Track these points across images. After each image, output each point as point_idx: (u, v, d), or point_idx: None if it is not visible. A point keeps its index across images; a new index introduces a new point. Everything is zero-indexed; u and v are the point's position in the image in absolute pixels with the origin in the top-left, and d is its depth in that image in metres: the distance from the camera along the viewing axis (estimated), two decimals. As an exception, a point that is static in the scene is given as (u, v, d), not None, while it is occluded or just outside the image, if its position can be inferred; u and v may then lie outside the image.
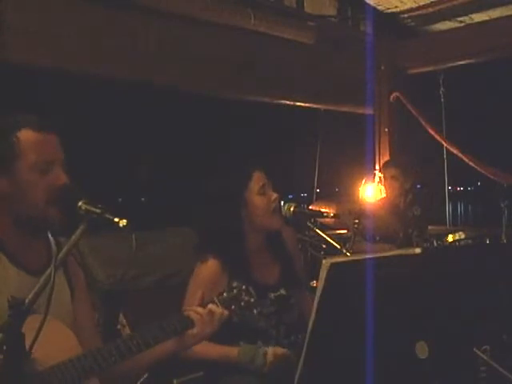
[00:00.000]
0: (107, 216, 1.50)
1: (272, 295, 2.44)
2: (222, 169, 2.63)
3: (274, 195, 2.46)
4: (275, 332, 2.43)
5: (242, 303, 1.91)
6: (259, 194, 2.43)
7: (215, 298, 1.90)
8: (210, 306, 1.88)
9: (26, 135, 1.67)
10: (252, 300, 1.92)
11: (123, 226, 1.48)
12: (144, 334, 1.72)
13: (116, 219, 1.49)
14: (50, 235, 1.82)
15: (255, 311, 1.93)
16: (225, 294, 1.91)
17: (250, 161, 2.58)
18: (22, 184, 1.66)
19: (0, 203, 1.69)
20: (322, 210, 3.23)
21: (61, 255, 1.45)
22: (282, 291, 2.47)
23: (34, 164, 1.66)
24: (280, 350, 2.30)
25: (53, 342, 1.40)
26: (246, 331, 2.37)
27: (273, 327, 2.43)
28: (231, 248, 2.40)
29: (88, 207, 1.53)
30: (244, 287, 1.92)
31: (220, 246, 2.40)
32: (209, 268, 2.37)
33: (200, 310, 1.87)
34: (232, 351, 2.31)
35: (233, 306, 1.90)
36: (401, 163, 4.82)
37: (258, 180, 2.44)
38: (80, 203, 1.54)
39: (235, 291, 1.92)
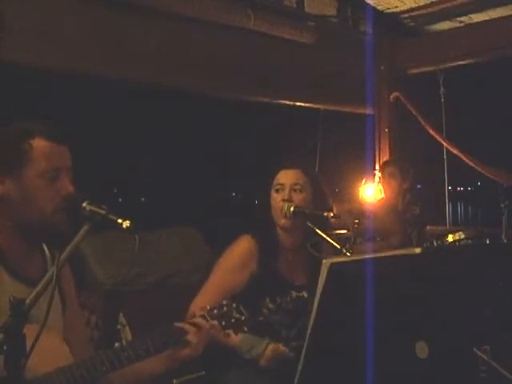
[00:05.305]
0: (111, 217, 1.50)
1: (294, 294, 2.49)
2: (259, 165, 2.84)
3: (285, 196, 2.56)
4: (285, 332, 2.45)
5: (233, 320, 1.90)
6: (275, 191, 2.60)
7: (205, 313, 1.87)
8: (198, 320, 1.83)
9: (38, 143, 1.69)
10: (243, 318, 1.90)
11: (127, 227, 1.48)
12: (136, 345, 1.70)
13: (120, 220, 1.49)
14: (43, 245, 1.81)
15: (246, 329, 1.91)
16: (215, 311, 1.89)
17: (279, 161, 2.79)
18: (29, 190, 1.67)
19: (3, 207, 1.68)
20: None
21: (63, 255, 1.45)
22: (305, 294, 2.53)
23: (43, 171, 1.67)
24: (280, 348, 2.35)
25: (43, 350, 1.39)
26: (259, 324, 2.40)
27: (285, 327, 2.46)
28: (263, 228, 2.60)
29: (92, 208, 1.53)
30: (234, 305, 1.92)
31: (255, 226, 2.62)
32: (242, 243, 2.55)
33: (189, 326, 1.80)
34: (235, 336, 2.35)
35: (223, 322, 1.88)
36: (399, 162, 4.85)
37: (279, 178, 2.62)
38: (84, 204, 1.54)
39: (225, 308, 1.91)
